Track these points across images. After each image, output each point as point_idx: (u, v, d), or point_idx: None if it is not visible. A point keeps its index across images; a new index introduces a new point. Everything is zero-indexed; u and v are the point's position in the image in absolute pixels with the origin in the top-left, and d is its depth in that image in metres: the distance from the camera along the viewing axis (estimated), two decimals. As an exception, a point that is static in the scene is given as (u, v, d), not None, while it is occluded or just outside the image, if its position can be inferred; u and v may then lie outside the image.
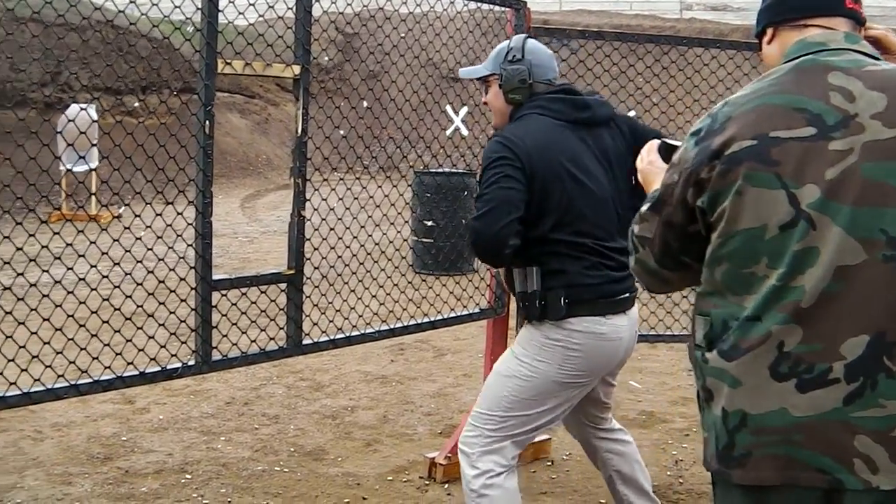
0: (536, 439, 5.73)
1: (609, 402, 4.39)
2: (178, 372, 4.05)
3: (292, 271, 4.35)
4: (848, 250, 2.29)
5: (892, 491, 2.27)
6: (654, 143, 2.96)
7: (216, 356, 4.17)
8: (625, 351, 3.97)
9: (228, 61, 3.88)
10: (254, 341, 4.41)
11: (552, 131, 3.83)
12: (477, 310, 5.45)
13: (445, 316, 5.29)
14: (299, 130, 4.22)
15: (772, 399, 2.33)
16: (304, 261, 4.41)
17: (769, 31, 2.65)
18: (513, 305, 5.50)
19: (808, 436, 2.29)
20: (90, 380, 3.86)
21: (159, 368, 4.03)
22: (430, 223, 10.44)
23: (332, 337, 4.65)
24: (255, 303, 4.49)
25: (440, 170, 11.12)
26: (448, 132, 5.64)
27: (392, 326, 4.96)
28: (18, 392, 3.70)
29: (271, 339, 4.43)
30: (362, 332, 4.81)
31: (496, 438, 3.90)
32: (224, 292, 4.17)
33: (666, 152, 2.83)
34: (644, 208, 2.65)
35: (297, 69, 4.17)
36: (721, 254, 2.43)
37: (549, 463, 5.73)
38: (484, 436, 3.91)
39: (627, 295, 3.92)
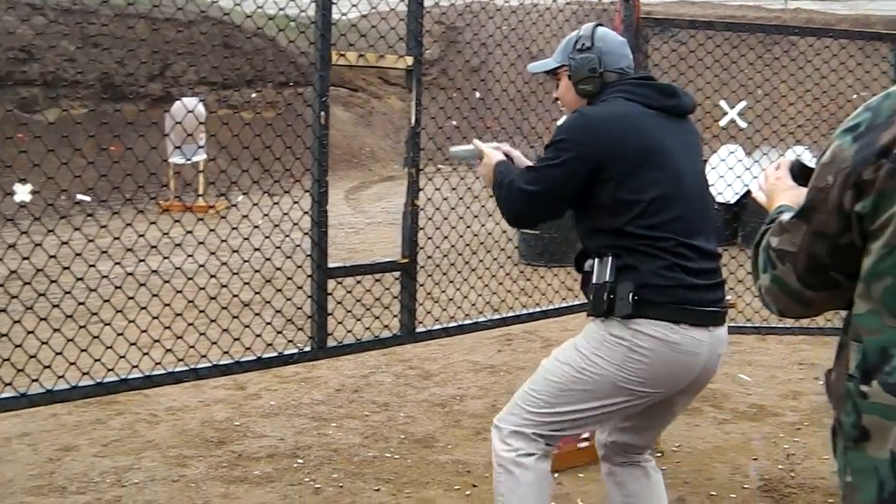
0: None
1: (658, 434, 4.01)
2: (295, 357, 4.13)
3: (406, 260, 4.40)
4: None
5: None
6: (787, 160, 2.69)
7: (331, 343, 4.24)
8: (701, 371, 3.50)
9: (343, 53, 3.94)
10: (368, 328, 4.47)
11: (638, 117, 3.50)
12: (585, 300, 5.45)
13: (556, 306, 5.30)
14: (413, 121, 4.27)
15: None
16: (417, 250, 4.46)
17: None
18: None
19: None
20: (209, 364, 3.96)
21: (276, 354, 4.11)
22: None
23: (444, 325, 4.70)
24: (369, 291, 4.55)
25: None
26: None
27: (503, 315, 4.99)
28: (140, 375, 3.81)
29: (385, 326, 4.49)
30: (474, 320, 4.85)
31: (533, 423, 3.58)
32: (339, 280, 4.24)
33: (800, 172, 2.60)
34: (786, 217, 2.28)
35: (409, 60, 4.22)
36: (883, 267, 2.06)
37: (659, 454, 5.70)
38: (522, 416, 3.60)
39: (714, 309, 3.46)
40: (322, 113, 3.93)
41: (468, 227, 4.90)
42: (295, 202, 4.13)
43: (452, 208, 4.84)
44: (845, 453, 2.15)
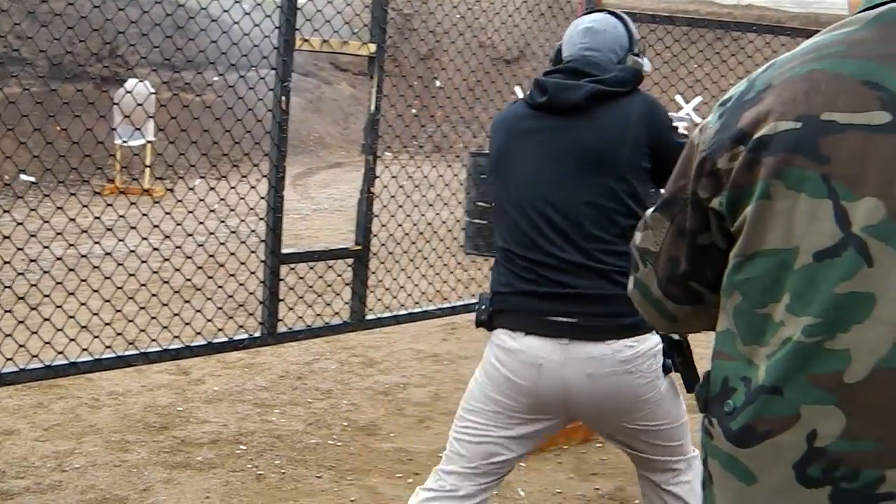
0: (587, 422, 5.76)
1: (653, 458, 3.41)
2: (245, 343, 4.12)
3: (359, 247, 4.39)
4: None
5: None
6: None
7: (281, 329, 4.23)
8: (559, 387, 3.11)
9: (306, 38, 3.93)
10: (318, 315, 4.46)
11: (510, 118, 3.33)
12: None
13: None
14: (373, 108, 4.26)
15: None
16: (371, 237, 4.45)
17: None
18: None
19: None
20: (159, 348, 3.93)
21: (226, 339, 4.10)
22: (483, 204, 10.44)
23: (394, 313, 4.70)
24: (321, 277, 4.54)
25: None
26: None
27: (454, 304, 5.01)
28: (90, 358, 3.77)
29: (335, 313, 4.48)
30: (423, 309, 4.86)
31: (451, 438, 3.33)
32: (292, 266, 4.22)
33: None
34: (651, 210, 1.93)
35: (372, 47, 4.21)
36: (736, 280, 1.70)
37: (600, 444, 5.74)
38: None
39: (558, 319, 3.08)
40: (283, 98, 3.92)
41: (423, 215, 4.91)
42: (252, 187, 4.11)
43: (407, 196, 4.84)
44: (702, 490, 1.84)
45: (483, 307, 3.18)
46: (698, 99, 5.62)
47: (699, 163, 1.74)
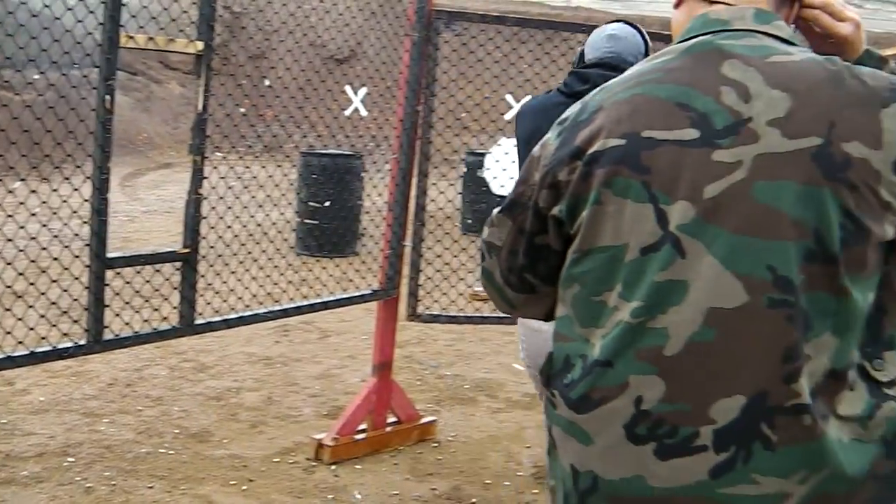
0: (422, 421, 5.78)
1: None
2: (70, 351, 3.98)
3: (188, 250, 4.29)
4: (724, 289, 1.82)
5: None
6: None
7: (108, 335, 4.10)
8: None
9: (131, 35, 3.81)
10: (146, 321, 4.34)
11: (548, 106, 3.68)
12: (368, 291, 5.45)
13: (337, 297, 5.28)
14: (200, 107, 4.16)
15: (628, 464, 1.90)
16: (199, 240, 4.35)
17: None
18: (403, 288, 5.53)
19: None
20: (-22, 359, 3.77)
21: (50, 348, 3.95)
22: (315, 204, 10.38)
23: (224, 317, 4.61)
24: (148, 281, 4.42)
25: (326, 151, 11.02)
26: (347, 112, 5.61)
27: (285, 307, 4.94)
28: None
29: (164, 318, 4.37)
30: (254, 312, 4.78)
31: None
32: (118, 271, 4.10)
33: None
34: (496, 210, 2.21)
35: (200, 45, 4.11)
36: (574, 273, 1.99)
37: (436, 444, 5.76)
38: None
39: None
40: (107, 97, 3.79)
41: (252, 216, 4.83)
42: (76, 189, 3.97)
43: (237, 197, 4.76)
44: (547, 455, 2.10)
45: None
46: (528, 97, 5.65)
47: (542, 176, 2.02)
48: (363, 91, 5.67)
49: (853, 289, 1.83)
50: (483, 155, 10.66)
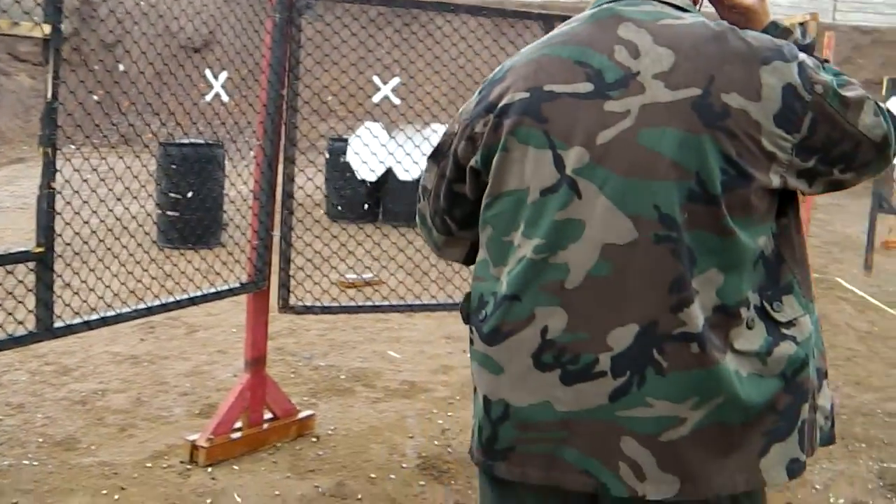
0: (300, 415, 5.59)
1: None
2: (-84, 363, 3.68)
3: (42, 249, 4.01)
4: (616, 227, 2.01)
5: (658, 502, 2.04)
6: None
7: (-42, 344, 3.82)
8: None
9: (-32, 19, 3.54)
10: (0, 326, 4.06)
11: None
12: (237, 284, 5.23)
13: (203, 292, 5.05)
14: (49, 95, 3.88)
15: (536, 391, 2.08)
16: (54, 237, 4.08)
17: None
18: (273, 279, 5.32)
19: (573, 433, 2.06)
20: None
21: None
22: (176, 196, 10.05)
23: (85, 318, 4.35)
24: (1, 284, 4.13)
25: (186, 141, 10.61)
26: (208, 98, 5.37)
27: (150, 305, 4.69)
28: None
29: (20, 322, 4.10)
30: (117, 311, 4.52)
31: None
32: (-34, 274, 3.82)
33: None
34: (427, 156, 2.45)
35: (47, 28, 3.83)
36: (487, 217, 2.21)
37: (315, 439, 5.57)
38: None
39: None
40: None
41: (110, 210, 4.56)
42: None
43: (93, 190, 4.48)
44: (473, 395, 2.31)
45: None
46: (396, 80, 5.49)
47: (462, 128, 2.27)
48: (224, 75, 5.43)
49: (739, 230, 2.01)
50: (345, 140, 10.49)
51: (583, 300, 2.04)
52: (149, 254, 5.02)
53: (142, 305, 4.66)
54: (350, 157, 9.45)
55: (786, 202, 2.13)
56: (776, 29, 2.29)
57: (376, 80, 5.35)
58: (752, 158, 2.01)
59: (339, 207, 12.29)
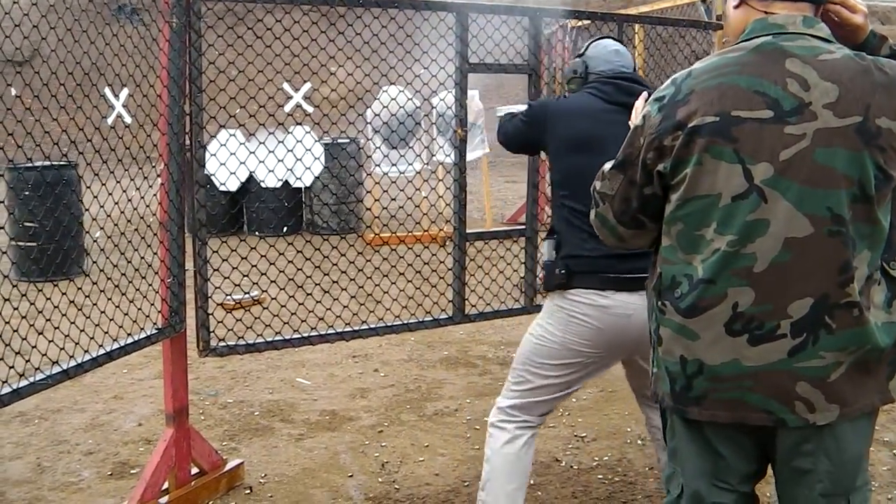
0: (227, 466, 5.00)
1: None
2: None
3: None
4: (796, 224, 2.56)
5: (825, 426, 2.64)
6: (646, 95, 3.23)
7: None
8: (639, 330, 3.87)
9: None
10: None
11: (590, 106, 4.09)
12: (153, 330, 4.59)
13: (123, 344, 4.40)
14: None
15: (726, 352, 2.64)
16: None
17: None
18: (190, 319, 4.72)
19: (756, 382, 2.62)
20: None
21: None
22: (32, 225, 9.17)
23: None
24: None
25: (39, 163, 9.57)
26: (109, 120, 4.71)
27: (65, 367, 4.03)
28: None
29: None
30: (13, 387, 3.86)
31: (518, 394, 4.12)
32: None
33: None
34: (608, 167, 2.89)
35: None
36: (678, 215, 2.70)
37: (248, 491, 5.00)
38: (510, 389, 4.16)
39: (636, 276, 3.85)
40: None
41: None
42: None
43: None
44: (653, 351, 2.85)
45: (558, 271, 3.98)
46: (307, 86, 4.93)
47: (649, 141, 2.71)
48: (125, 93, 4.76)
49: (881, 217, 2.61)
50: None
51: (768, 281, 2.58)
52: (12, 289, 4.24)
53: (57, 369, 3.99)
54: (209, 165, 8.74)
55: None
56: (874, 38, 2.88)
57: (286, 87, 4.76)
58: (894, 163, 2.59)
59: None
